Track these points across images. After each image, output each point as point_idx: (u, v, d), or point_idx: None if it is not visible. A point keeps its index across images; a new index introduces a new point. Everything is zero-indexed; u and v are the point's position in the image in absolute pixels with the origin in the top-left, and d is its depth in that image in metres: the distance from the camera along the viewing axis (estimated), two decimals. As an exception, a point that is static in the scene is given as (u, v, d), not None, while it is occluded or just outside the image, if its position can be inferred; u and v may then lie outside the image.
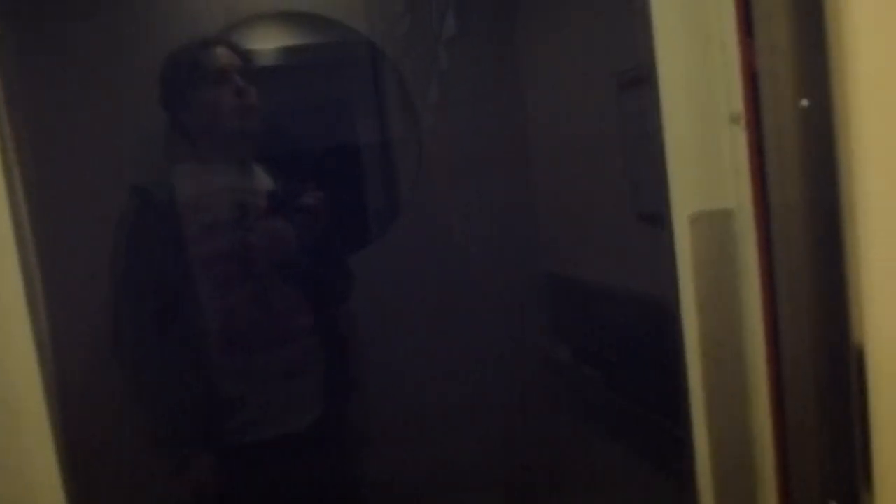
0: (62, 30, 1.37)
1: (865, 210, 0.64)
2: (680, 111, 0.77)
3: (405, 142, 1.54)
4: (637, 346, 1.27)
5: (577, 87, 1.40)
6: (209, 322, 1.25)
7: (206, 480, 1.21)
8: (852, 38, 0.62)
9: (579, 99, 1.40)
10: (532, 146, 1.52)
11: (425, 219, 1.53)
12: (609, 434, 1.36)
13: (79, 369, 0.99)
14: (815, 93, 0.65)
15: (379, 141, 1.55)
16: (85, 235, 1.25)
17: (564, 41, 1.42)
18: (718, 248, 0.78)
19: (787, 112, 0.67)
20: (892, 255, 0.64)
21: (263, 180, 1.32)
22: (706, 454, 0.81)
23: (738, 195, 0.76)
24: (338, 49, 1.51)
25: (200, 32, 1.33)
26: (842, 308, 0.67)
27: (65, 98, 1.37)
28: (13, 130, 0.91)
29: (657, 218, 0.80)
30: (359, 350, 1.40)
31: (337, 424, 1.30)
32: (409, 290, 1.49)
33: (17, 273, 0.81)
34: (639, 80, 1.01)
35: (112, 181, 1.30)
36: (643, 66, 0.77)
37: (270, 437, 1.23)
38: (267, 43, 1.46)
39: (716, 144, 0.76)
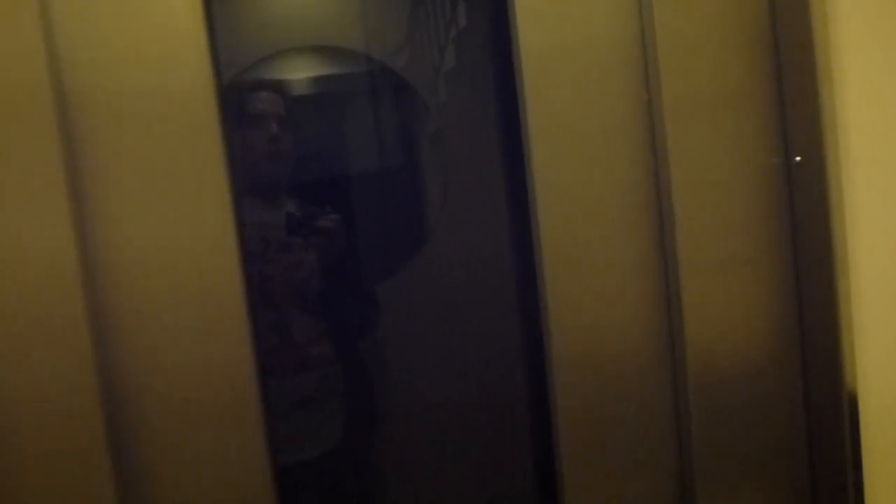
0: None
1: None
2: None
3: (431, 170, 1.56)
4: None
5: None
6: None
7: None
8: None
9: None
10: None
11: (453, 246, 1.53)
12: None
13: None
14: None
15: (404, 168, 1.57)
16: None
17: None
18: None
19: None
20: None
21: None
22: None
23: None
24: (361, 78, 1.53)
25: (232, 66, 1.39)
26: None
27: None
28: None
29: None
30: (382, 380, 1.42)
31: (355, 454, 1.32)
32: (436, 318, 1.50)
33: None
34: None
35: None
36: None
37: (283, 463, 1.27)
38: (294, 74, 1.50)
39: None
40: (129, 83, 1.09)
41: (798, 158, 1.13)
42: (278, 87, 1.39)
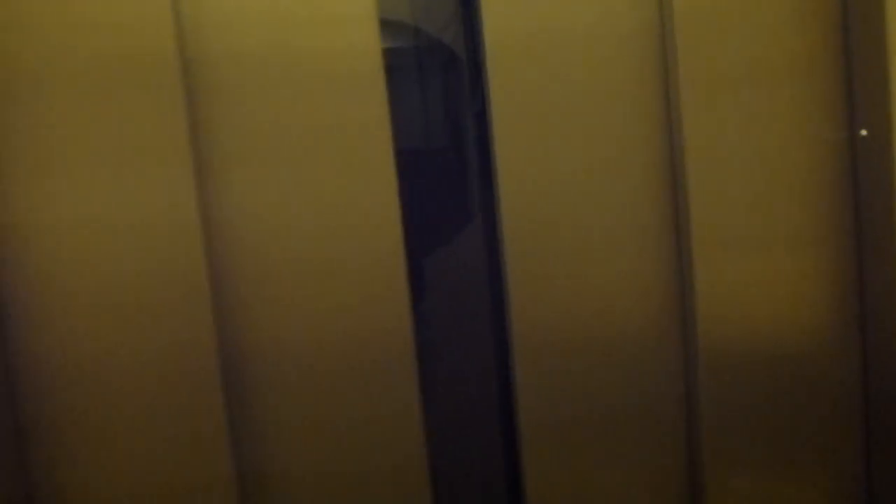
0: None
1: None
2: None
3: (480, 146, 1.54)
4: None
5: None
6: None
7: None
8: None
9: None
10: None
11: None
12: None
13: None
14: None
15: (453, 144, 1.55)
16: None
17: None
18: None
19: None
20: None
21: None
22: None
23: None
24: (411, 53, 1.52)
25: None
26: None
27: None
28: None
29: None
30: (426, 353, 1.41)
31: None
32: (481, 294, 1.48)
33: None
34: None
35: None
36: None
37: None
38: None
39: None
40: (274, 44, 1.06)
41: (864, 132, 1.10)
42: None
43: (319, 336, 1.08)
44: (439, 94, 1.60)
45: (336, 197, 1.07)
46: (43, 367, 1.06)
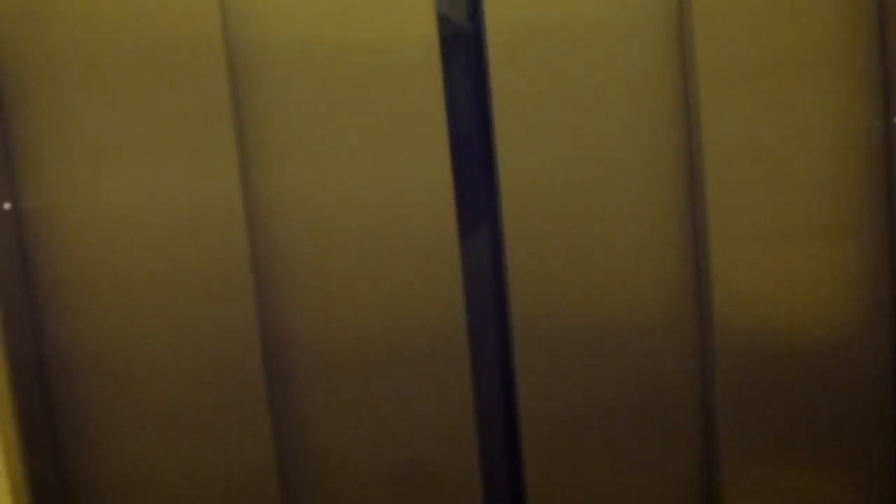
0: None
1: None
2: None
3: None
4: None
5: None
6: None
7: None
8: None
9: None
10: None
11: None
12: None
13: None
14: None
15: (479, 133, 1.55)
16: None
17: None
18: None
19: None
20: None
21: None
22: None
23: None
24: (444, 42, 1.51)
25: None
26: None
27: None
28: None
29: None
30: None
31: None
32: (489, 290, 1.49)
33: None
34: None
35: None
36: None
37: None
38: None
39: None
40: (322, 33, 1.08)
41: (900, 120, 1.12)
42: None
43: (367, 322, 1.08)
44: (463, 83, 1.59)
45: (387, 183, 1.07)
46: (85, 352, 1.04)
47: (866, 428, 1.21)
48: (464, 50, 1.51)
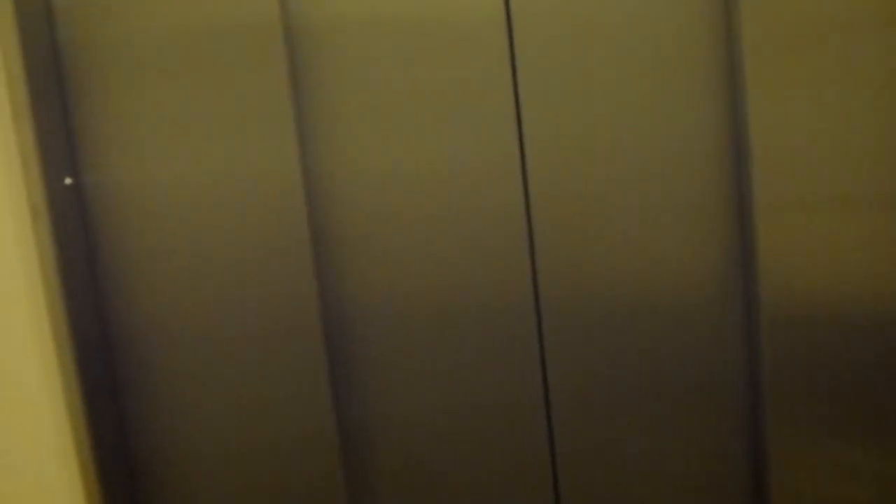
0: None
1: None
2: None
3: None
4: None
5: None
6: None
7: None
8: None
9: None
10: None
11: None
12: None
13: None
14: None
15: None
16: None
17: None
18: None
19: None
20: None
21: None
22: None
23: None
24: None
25: None
26: None
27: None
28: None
29: None
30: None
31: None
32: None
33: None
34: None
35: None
36: None
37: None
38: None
39: None
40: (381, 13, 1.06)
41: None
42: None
43: (430, 287, 1.07)
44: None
45: (451, 150, 1.06)
46: (148, 327, 1.03)
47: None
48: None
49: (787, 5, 1.07)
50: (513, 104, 1.06)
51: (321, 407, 1.06)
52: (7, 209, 1.06)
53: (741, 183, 1.13)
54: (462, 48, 1.05)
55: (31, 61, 1.01)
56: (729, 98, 1.12)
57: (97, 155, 1.07)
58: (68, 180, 1.09)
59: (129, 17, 1.02)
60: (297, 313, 1.05)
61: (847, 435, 1.15)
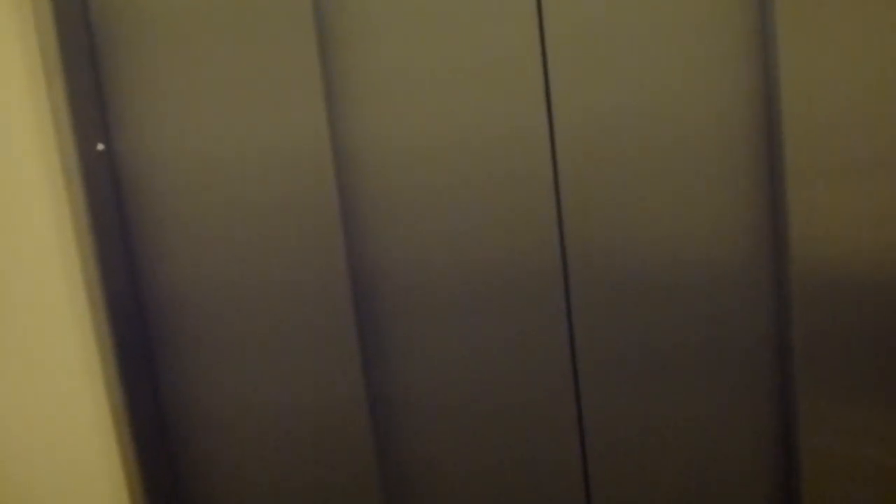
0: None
1: None
2: None
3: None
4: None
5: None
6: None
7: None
8: None
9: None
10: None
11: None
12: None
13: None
14: None
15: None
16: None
17: None
18: None
19: None
20: None
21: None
22: None
23: None
24: None
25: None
26: None
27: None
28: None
29: None
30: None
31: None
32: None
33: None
34: None
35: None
36: None
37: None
38: None
39: None
40: None
41: None
42: None
43: (458, 258, 1.07)
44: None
45: (480, 120, 1.06)
46: (179, 290, 1.04)
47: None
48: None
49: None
50: (541, 74, 1.06)
51: (351, 377, 1.07)
52: (41, 175, 1.07)
53: (772, 150, 1.12)
54: (492, 18, 1.04)
55: (63, 28, 1.02)
56: (760, 64, 1.10)
57: (129, 122, 1.08)
58: (100, 146, 1.10)
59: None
60: (327, 283, 1.05)
61: (878, 402, 1.14)
